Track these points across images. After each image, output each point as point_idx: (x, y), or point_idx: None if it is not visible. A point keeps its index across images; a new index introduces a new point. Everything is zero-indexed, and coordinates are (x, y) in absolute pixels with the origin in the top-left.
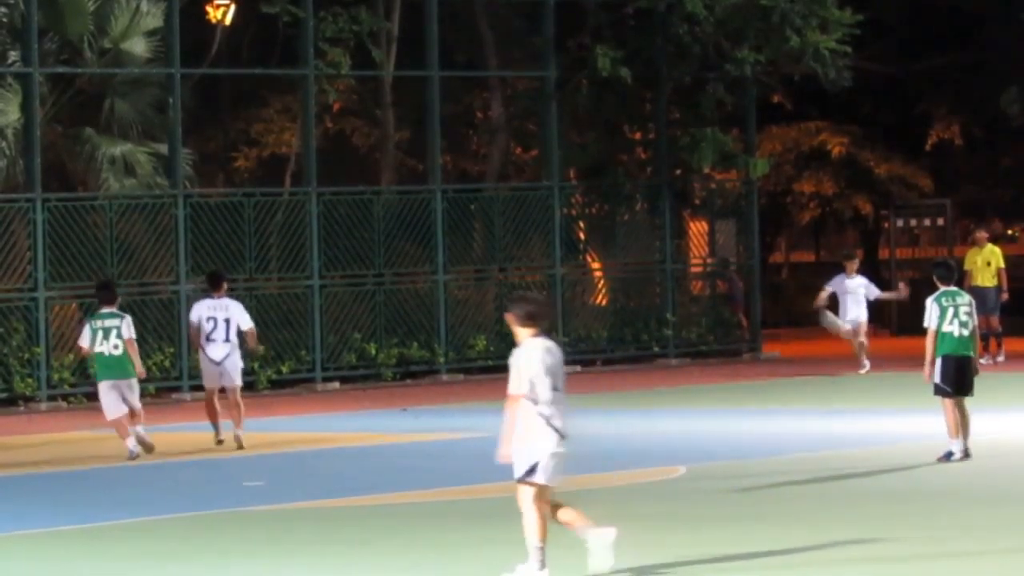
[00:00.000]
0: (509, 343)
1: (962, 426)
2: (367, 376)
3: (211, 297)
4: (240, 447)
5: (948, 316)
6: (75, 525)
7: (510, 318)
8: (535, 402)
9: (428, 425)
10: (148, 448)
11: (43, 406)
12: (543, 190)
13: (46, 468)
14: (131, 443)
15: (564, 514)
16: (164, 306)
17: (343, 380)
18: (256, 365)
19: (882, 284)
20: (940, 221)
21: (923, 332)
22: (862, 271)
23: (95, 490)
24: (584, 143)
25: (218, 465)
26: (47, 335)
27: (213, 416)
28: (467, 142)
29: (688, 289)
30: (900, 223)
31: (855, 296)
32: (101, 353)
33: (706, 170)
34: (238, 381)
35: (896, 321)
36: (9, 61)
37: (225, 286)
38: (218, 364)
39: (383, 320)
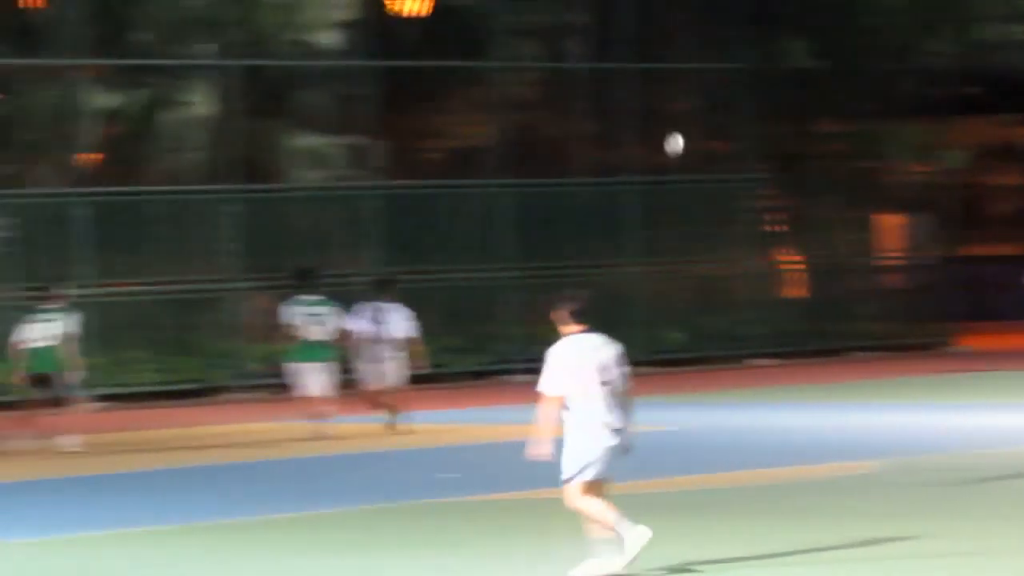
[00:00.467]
0: (702, 335)
1: None
2: None
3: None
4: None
5: None
6: (264, 516)
7: (556, 315)
8: (571, 399)
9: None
10: (327, 436)
11: (235, 396)
12: (735, 182)
13: (236, 459)
14: (315, 422)
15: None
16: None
17: (535, 372)
18: (446, 358)
19: None
20: None
21: None
22: None
23: (283, 480)
24: (776, 135)
25: (412, 456)
26: (239, 326)
27: (382, 408)
28: (658, 134)
29: (880, 282)
30: None
31: None
32: (308, 338)
33: (900, 162)
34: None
35: None
36: (202, 53)
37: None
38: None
39: None
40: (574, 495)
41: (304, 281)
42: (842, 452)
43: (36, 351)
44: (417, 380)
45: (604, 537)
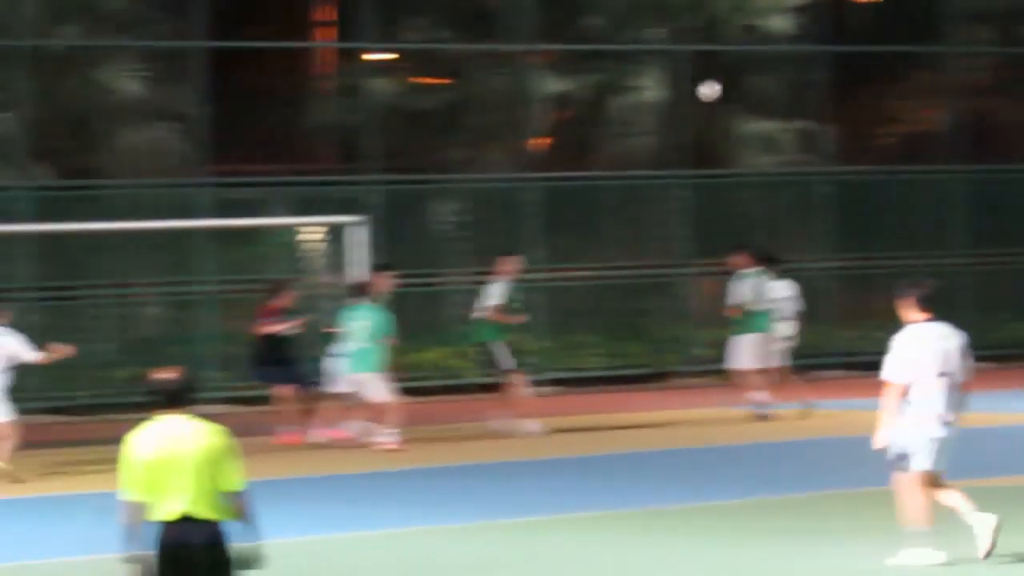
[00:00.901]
0: None
1: None
2: None
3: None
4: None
5: None
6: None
7: (902, 303)
8: (912, 387)
9: None
10: (767, 419)
11: (684, 382)
12: None
13: (682, 444)
14: (756, 408)
15: (948, 497)
16: (806, 283)
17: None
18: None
19: None
20: None
21: None
22: None
23: (729, 466)
24: None
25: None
26: (688, 311)
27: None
28: None
29: None
30: None
31: None
32: (764, 310)
33: None
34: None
35: None
36: (653, 38)
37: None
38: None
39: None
40: (909, 484)
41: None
42: None
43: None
44: (855, 366)
45: (922, 529)
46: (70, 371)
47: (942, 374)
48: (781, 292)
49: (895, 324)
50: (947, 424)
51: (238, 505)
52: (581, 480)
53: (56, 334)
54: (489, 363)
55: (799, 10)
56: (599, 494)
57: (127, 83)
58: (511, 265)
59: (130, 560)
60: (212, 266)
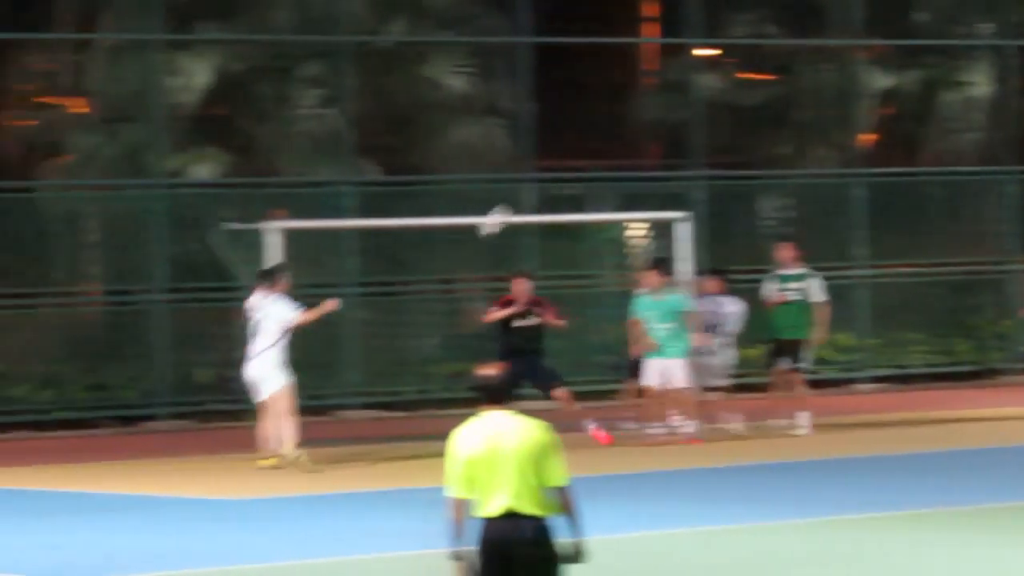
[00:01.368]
0: None
1: None
2: None
3: None
4: None
5: None
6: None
7: None
8: None
9: None
10: None
11: (1013, 379)
12: None
13: (1014, 442)
14: None
15: None
16: None
17: None
18: None
19: None
20: None
21: None
22: None
23: None
24: None
25: None
26: (1015, 308)
27: None
28: None
29: None
30: None
31: None
32: None
33: None
34: None
35: None
36: (980, 33)
37: None
38: None
39: None
40: None
41: None
42: None
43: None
44: None
45: None
46: (393, 367)
47: None
48: None
49: None
50: None
51: (562, 500)
52: (900, 477)
53: (379, 329)
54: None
55: None
56: (928, 492)
57: (452, 79)
58: (787, 252)
59: (455, 556)
60: (535, 262)
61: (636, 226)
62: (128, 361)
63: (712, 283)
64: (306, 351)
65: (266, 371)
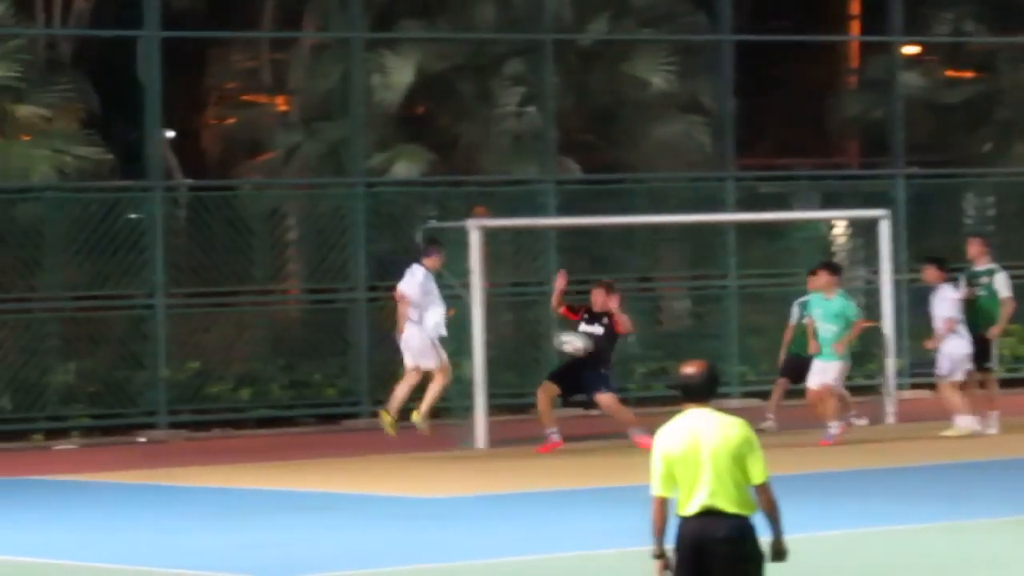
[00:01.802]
0: None
1: None
2: None
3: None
4: None
5: None
6: None
7: None
8: None
9: None
10: None
11: None
12: None
13: None
14: None
15: None
16: None
17: None
18: None
19: None
20: None
21: None
22: None
23: None
24: None
25: None
26: None
27: None
28: None
29: None
30: None
31: None
32: None
33: None
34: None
35: None
36: None
37: None
38: None
39: None
40: None
41: None
42: None
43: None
44: None
45: None
46: None
47: None
48: None
49: None
50: None
51: (762, 498)
52: None
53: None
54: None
55: None
56: None
57: (653, 77)
58: (976, 248)
59: (656, 555)
60: (735, 260)
61: (839, 225)
62: (327, 359)
63: (931, 272)
64: (504, 350)
65: (424, 342)
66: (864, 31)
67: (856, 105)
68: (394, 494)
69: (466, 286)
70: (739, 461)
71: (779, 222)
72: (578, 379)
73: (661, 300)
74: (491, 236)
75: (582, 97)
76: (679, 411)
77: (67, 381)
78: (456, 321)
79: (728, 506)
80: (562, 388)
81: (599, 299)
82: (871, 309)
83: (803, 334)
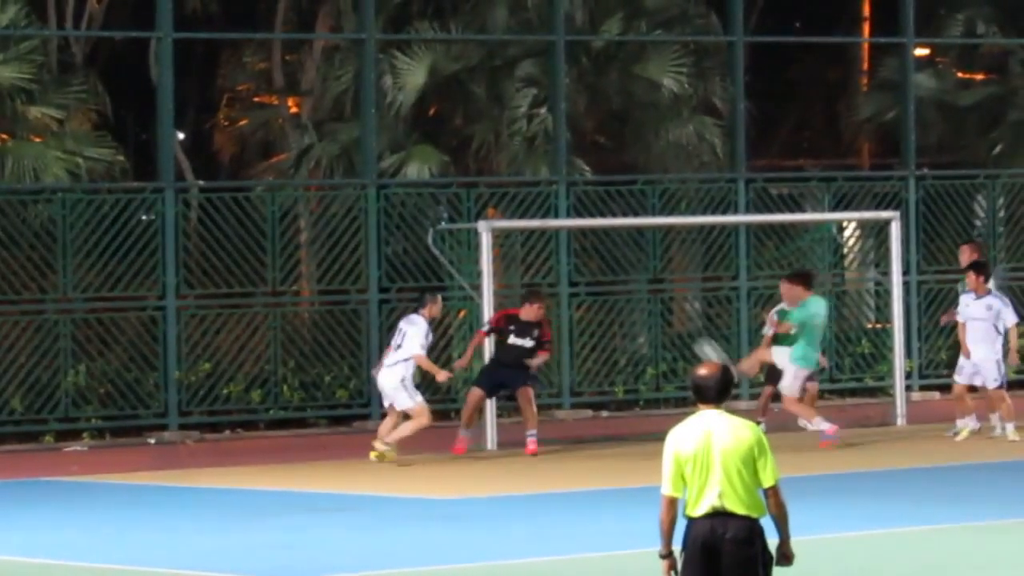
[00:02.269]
0: None
1: None
2: None
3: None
4: None
5: None
6: None
7: None
8: None
9: None
10: None
11: None
12: None
13: None
14: None
15: None
16: None
17: None
18: None
19: None
20: None
21: None
22: None
23: None
24: None
25: None
26: None
27: None
28: None
29: None
30: None
31: None
32: None
33: None
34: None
35: None
36: None
37: None
38: None
39: None
40: None
41: None
42: None
43: None
44: None
45: None
46: (605, 367)
47: None
48: None
49: None
50: None
51: (771, 502)
52: None
53: (590, 328)
54: None
55: None
56: None
57: (666, 78)
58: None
59: (663, 555)
60: (747, 262)
61: (850, 226)
62: (339, 361)
63: (971, 279)
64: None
65: (394, 384)
66: (876, 33)
67: (868, 107)
68: (406, 495)
69: (477, 287)
70: (750, 463)
71: (791, 223)
72: (502, 377)
73: (672, 301)
74: (503, 237)
75: (594, 99)
76: (691, 412)
77: (79, 382)
78: (466, 322)
79: (738, 508)
80: (486, 390)
81: (532, 311)
82: (881, 310)
83: (784, 340)
